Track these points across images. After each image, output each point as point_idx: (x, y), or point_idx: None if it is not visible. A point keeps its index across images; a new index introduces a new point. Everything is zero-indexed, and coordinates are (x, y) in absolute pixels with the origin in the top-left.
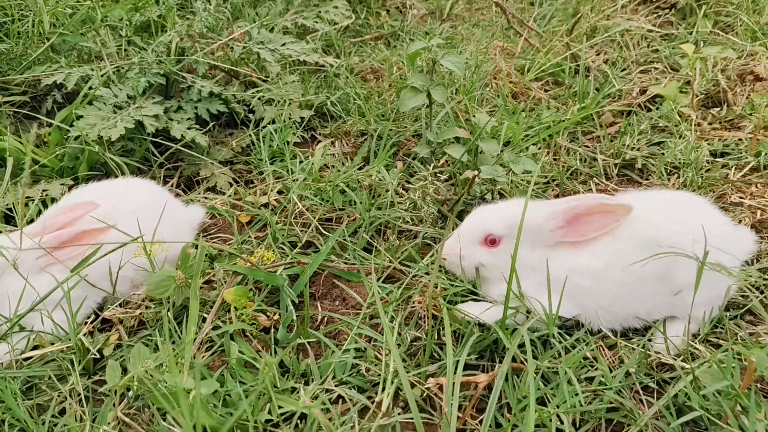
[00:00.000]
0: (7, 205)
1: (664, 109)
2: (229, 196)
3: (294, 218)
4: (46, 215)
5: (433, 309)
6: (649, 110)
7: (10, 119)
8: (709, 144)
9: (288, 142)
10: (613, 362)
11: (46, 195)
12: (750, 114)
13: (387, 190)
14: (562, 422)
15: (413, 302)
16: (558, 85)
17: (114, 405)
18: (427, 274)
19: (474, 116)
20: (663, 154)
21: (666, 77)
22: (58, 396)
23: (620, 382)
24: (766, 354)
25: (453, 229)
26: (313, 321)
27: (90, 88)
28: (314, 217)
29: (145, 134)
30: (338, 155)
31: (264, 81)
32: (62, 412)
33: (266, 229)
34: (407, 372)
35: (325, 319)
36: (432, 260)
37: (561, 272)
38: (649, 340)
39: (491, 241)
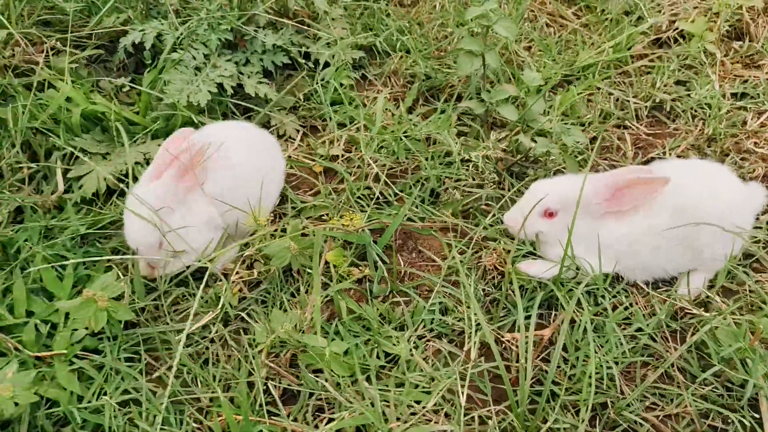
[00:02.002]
0: (121, 171)
1: (692, 48)
2: (300, 145)
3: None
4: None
5: (500, 265)
6: (677, 42)
7: (88, 70)
8: (730, 86)
9: (343, 84)
10: (645, 308)
11: (148, 157)
12: None
13: (449, 154)
14: (609, 364)
15: (482, 260)
16: (590, 10)
17: (260, 353)
18: (494, 240)
19: (522, 72)
20: (689, 95)
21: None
22: (205, 341)
23: (653, 329)
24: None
25: (510, 189)
26: (397, 273)
27: (171, 49)
28: (382, 172)
29: (225, 95)
30: (390, 98)
31: (313, 19)
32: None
33: (341, 179)
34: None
35: (408, 271)
36: (493, 220)
37: (606, 239)
38: (676, 290)
39: (549, 214)
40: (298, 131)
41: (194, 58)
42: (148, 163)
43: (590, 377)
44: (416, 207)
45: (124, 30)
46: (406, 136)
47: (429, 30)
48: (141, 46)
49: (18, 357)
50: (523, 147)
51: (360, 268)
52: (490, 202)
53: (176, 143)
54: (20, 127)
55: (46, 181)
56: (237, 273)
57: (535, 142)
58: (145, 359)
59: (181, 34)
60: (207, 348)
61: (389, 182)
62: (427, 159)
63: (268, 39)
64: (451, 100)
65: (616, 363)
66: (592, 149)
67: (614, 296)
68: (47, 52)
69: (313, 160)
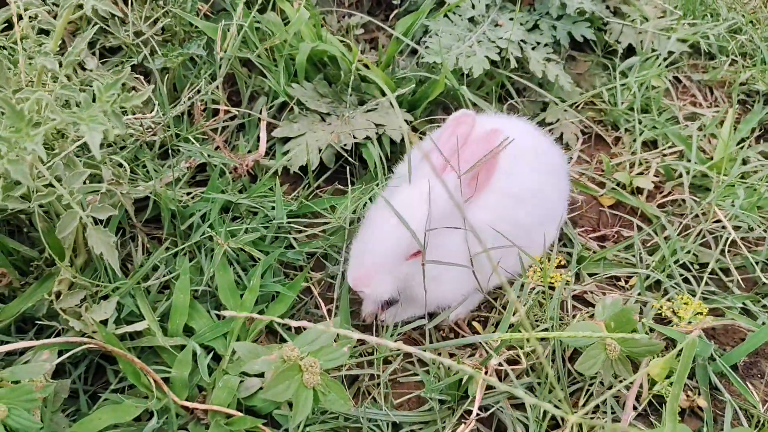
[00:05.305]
0: (344, 144)
1: None
2: (582, 158)
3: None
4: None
5: None
6: None
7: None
8: None
9: (654, 88)
10: None
11: (381, 132)
12: None
13: None
14: None
15: None
16: None
17: None
18: None
19: None
20: None
21: None
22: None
23: None
24: None
25: None
26: (747, 414)
27: None
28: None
29: (503, 67)
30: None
31: None
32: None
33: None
34: None
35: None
36: None
37: None
38: None
39: None
40: (578, 138)
41: (473, 7)
42: (381, 141)
43: None
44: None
45: None
46: None
47: None
48: None
49: (160, 401)
50: None
51: (689, 393)
52: None
53: (462, 129)
54: (228, 55)
55: (243, 134)
56: (492, 350)
57: None
58: None
59: None
60: None
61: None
62: None
63: (571, 0)
64: None
65: None
66: None
67: None
68: None
69: (602, 186)
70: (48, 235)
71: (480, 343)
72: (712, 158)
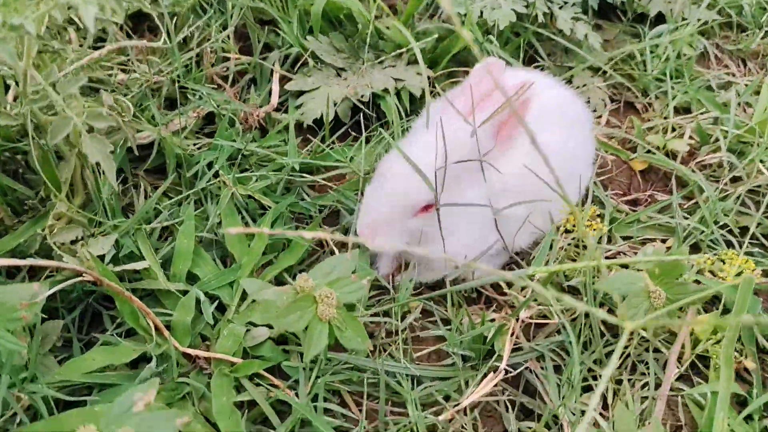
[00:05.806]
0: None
1: None
2: (612, 122)
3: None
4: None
5: None
6: None
7: None
8: None
9: (685, 55)
10: None
11: (402, 87)
12: None
13: None
14: None
15: None
16: None
17: None
18: None
19: None
20: None
21: None
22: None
23: None
24: None
25: None
26: None
27: None
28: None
29: (529, 22)
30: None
31: None
32: None
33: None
34: None
35: None
36: None
37: None
38: None
39: None
40: (605, 104)
41: None
42: (399, 96)
43: None
44: None
45: None
46: None
47: None
48: None
49: (160, 347)
50: None
51: (735, 355)
52: None
53: (486, 81)
54: (241, 3)
55: (255, 87)
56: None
57: None
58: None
59: None
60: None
61: None
62: None
63: None
64: None
65: None
66: None
67: None
68: None
69: (633, 150)
70: (44, 165)
71: (504, 302)
72: (747, 125)
